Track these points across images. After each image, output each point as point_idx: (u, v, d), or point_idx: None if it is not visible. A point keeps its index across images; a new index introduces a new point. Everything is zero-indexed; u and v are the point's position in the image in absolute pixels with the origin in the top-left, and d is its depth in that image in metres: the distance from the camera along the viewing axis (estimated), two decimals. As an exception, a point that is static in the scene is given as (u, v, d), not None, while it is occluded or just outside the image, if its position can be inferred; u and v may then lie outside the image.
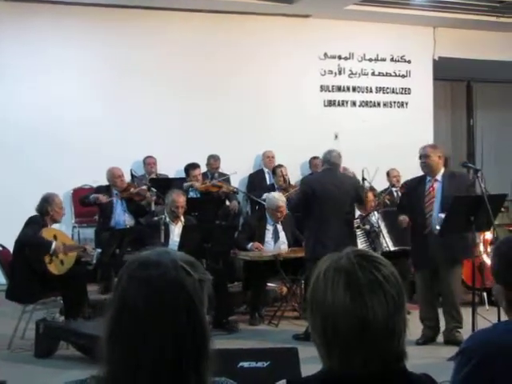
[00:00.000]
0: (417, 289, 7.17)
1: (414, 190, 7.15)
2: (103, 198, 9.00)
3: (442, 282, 6.95)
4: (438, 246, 6.77)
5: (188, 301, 1.57)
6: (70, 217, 10.23)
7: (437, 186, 6.93)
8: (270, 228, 8.49)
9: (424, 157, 6.95)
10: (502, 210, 8.45)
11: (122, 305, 1.57)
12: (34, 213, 7.25)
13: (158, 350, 1.53)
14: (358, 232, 8.32)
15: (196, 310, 1.59)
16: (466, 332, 6.62)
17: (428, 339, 6.96)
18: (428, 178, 7.01)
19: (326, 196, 7.16)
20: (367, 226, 8.36)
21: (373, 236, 8.30)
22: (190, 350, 1.56)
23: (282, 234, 8.46)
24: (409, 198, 7.30)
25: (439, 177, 6.95)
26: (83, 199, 9.28)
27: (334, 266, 1.69)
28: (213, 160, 10.59)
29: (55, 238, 7.17)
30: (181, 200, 8.02)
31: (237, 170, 10.61)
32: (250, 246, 8.25)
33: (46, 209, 7.22)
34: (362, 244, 8.17)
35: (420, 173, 7.16)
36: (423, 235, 6.90)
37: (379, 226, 8.31)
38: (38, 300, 7.06)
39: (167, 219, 7.98)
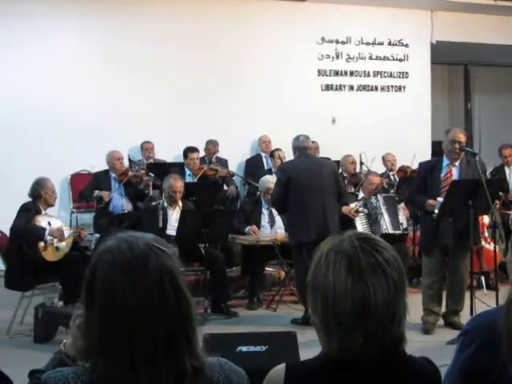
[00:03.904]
0: (423, 273, 7.06)
1: (430, 174, 6.94)
2: (106, 196, 8.97)
3: (451, 266, 6.85)
4: (449, 231, 6.70)
5: (172, 278, 1.59)
6: (68, 202, 10.24)
7: (454, 171, 6.80)
8: (265, 212, 8.48)
9: (460, 143, 6.73)
10: (500, 194, 8.43)
11: (109, 300, 1.55)
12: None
13: (151, 333, 1.54)
14: (360, 214, 8.28)
15: (180, 284, 1.60)
16: (464, 316, 6.64)
17: (430, 326, 6.85)
18: (445, 163, 6.84)
19: (303, 181, 7.03)
20: (368, 209, 8.32)
21: (373, 219, 8.27)
22: (181, 324, 1.58)
23: (278, 219, 8.43)
24: (423, 181, 7.01)
25: (457, 162, 6.81)
26: (84, 196, 9.21)
27: (336, 248, 1.68)
28: (211, 145, 10.59)
29: (49, 224, 7.09)
30: (178, 185, 8.00)
31: (234, 155, 10.64)
32: (247, 229, 8.26)
33: (39, 192, 7.11)
34: (362, 226, 8.15)
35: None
36: (435, 219, 6.76)
37: (380, 209, 8.27)
38: (36, 286, 7.05)
39: (165, 204, 7.97)
